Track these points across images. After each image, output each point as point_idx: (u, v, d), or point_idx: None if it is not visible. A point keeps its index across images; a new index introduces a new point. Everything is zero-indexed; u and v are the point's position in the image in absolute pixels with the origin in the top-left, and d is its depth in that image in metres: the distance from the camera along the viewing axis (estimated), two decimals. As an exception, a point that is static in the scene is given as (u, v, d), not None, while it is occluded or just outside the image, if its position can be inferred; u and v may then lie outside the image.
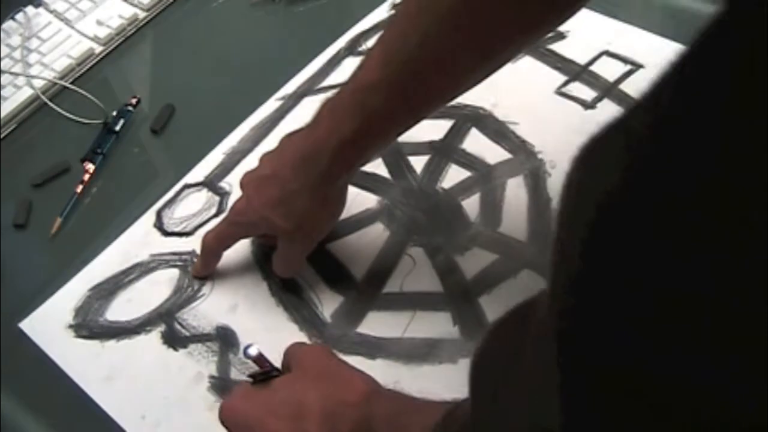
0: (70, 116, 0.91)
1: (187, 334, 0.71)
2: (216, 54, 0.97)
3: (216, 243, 0.72)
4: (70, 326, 0.72)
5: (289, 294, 0.72)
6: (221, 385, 0.67)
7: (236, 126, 0.86)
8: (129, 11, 1.00)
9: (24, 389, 0.70)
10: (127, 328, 0.72)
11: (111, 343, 0.71)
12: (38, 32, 0.99)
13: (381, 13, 0.95)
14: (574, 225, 0.29)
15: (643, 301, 0.25)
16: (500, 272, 0.71)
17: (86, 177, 0.84)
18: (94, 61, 0.98)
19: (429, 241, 0.74)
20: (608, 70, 0.84)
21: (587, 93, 0.82)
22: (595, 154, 0.29)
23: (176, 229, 0.78)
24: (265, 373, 0.59)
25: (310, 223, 0.68)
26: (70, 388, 0.68)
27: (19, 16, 1.01)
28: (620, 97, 0.81)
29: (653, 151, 0.25)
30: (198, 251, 0.74)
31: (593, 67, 0.84)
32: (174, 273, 0.75)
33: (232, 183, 0.81)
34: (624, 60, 0.84)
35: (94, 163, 0.85)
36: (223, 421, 0.64)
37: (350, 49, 0.92)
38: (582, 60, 0.85)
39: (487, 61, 0.61)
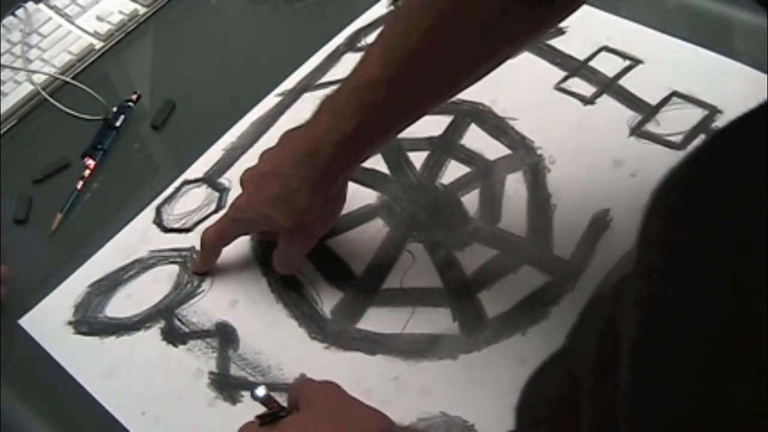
0: (71, 112, 0.91)
1: (187, 330, 0.71)
2: (216, 50, 0.97)
3: (216, 239, 0.72)
4: (70, 323, 0.73)
5: (289, 290, 0.72)
6: (221, 381, 0.67)
7: (237, 121, 0.86)
8: (129, 7, 1.00)
9: (24, 386, 0.70)
10: (126, 325, 0.72)
11: (110, 340, 0.71)
12: (38, 28, 0.99)
13: (380, 9, 0.95)
14: None
15: None
16: (500, 268, 0.71)
17: (86, 173, 0.84)
18: (94, 57, 0.98)
19: (429, 236, 0.74)
20: (607, 65, 0.84)
21: (586, 88, 0.82)
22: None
23: (176, 226, 0.79)
24: (272, 414, 0.57)
25: (310, 220, 0.68)
26: (70, 384, 0.69)
27: (20, 12, 1.01)
28: (619, 93, 0.81)
29: None
30: (197, 247, 0.74)
31: (592, 63, 0.84)
32: (173, 269, 0.75)
33: (232, 179, 0.81)
34: (623, 55, 0.84)
35: (94, 159, 0.86)
36: None
37: (349, 45, 0.92)
38: (581, 56, 0.85)
39: (487, 59, 0.60)
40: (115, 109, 0.90)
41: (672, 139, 0.77)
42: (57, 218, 0.81)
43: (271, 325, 0.70)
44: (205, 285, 0.74)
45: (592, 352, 0.34)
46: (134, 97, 0.91)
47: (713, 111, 0.78)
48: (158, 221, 0.79)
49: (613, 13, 0.88)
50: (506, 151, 0.79)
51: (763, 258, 0.24)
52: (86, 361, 0.70)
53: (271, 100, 0.88)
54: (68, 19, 1.01)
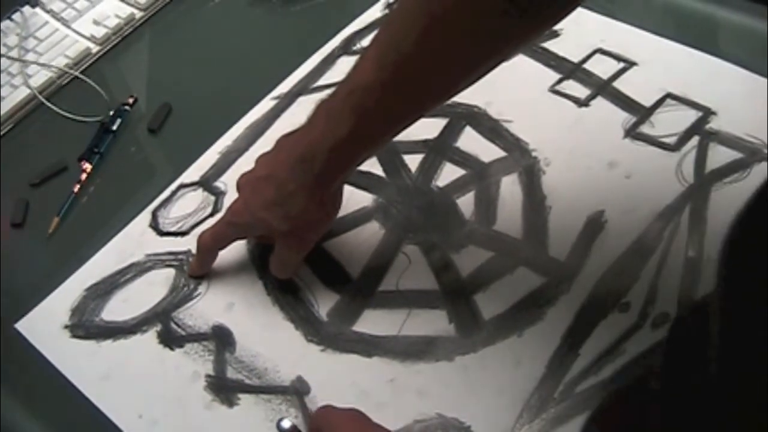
0: (68, 115, 0.91)
1: (184, 333, 0.71)
2: (213, 53, 0.97)
3: (212, 243, 0.73)
4: (66, 326, 0.73)
5: (285, 293, 0.73)
6: (217, 383, 0.68)
7: (233, 125, 0.87)
8: (126, 11, 1.00)
9: (21, 390, 0.70)
10: (123, 328, 0.72)
11: (107, 343, 0.71)
12: (35, 32, 0.99)
13: (375, 12, 0.96)
14: None
15: None
16: (495, 270, 0.71)
17: (83, 176, 0.85)
18: (91, 61, 0.98)
19: (424, 239, 0.74)
20: (602, 67, 0.84)
21: (581, 91, 0.83)
22: None
23: (172, 229, 0.79)
24: None
25: (307, 224, 0.68)
26: (67, 388, 0.69)
27: (16, 16, 1.01)
28: (614, 95, 0.81)
29: None
30: (194, 251, 0.74)
31: (587, 65, 0.85)
32: (170, 272, 0.75)
33: (228, 183, 0.81)
34: (617, 58, 0.84)
35: (91, 163, 0.86)
36: None
37: (344, 48, 0.92)
38: (575, 58, 0.85)
39: (482, 62, 0.60)
40: (111, 113, 0.90)
41: (666, 140, 0.77)
42: (54, 222, 0.81)
43: (268, 328, 0.70)
44: (201, 288, 0.74)
45: None
46: (131, 100, 0.92)
47: (707, 112, 0.78)
48: (154, 225, 0.79)
49: (607, 16, 0.88)
50: (501, 154, 0.79)
51: None
52: (83, 365, 0.70)
53: (266, 104, 0.88)
54: (65, 22, 1.01)
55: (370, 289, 0.72)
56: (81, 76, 0.96)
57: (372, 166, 0.79)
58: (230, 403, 0.66)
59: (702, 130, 0.77)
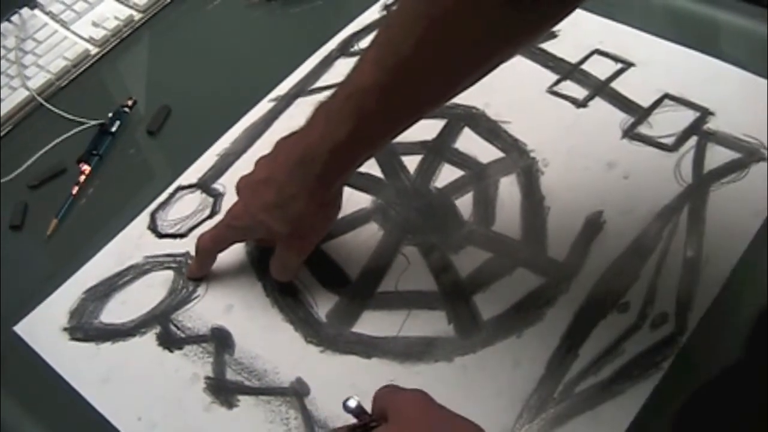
0: (66, 117, 0.91)
1: (183, 335, 0.71)
2: (212, 55, 0.97)
3: (211, 245, 0.73)
4: (65, 329, 0.73)
5: (285, 294, 0.73)
6: (217, 385, 0.68)
7: (231, 126, 0.87)
8: (125, 13, 1.01)
9: (20, 392, 0.70)
10: (122, 330, 0.72)
11: (106, 346, 0.71)
12: (34, 34, 0.99)
13: (373, 13, 0.96)
14: None
15: None
16: (494, 270, 0.71)
17: (82, 178, 0.85)
18: (89, 63, 0.98)
19: (423, 240, 0.74)
20: (599, 68, 0.84)
21: (579, 91, 0.83)
22: None
23: (170, 231, 0.79)
24: (364, 425, 0.57)
25: (306, 226, 0.68)
26: (66, 390, 0.69)
27: (15, 18, 1.01)
28: (612, 96, 0.82)
29: None
30: (192, 253, 0.74)
31: (584, 66, 0.85)
32: (168, 275, 0.75)
33: (226, 184, 0.81)
34: (615, 58, 0.85)
35: (90, 165, 0.86)
36: None
37: (342, 50, 0.92)
38: (573, 59, 0.86)
39: (481, 64, 0.60)
40: (110, 115, 0.90)
41: (664, 141, 0.77)
42: (53, 224, 0.81)
43: (267, 330, 0.71)
44: (200, 290, 0.74)
45: None
46: (130, 102, 0.92)
47: (705, 113, 0.78)
48: (153, 227, 0.79)
49: (605, 17, 0.89)
50: (499, 154, 0.79)
51: None
52: (82, 368, 0.70)
53: (264, 106, 0.88)
54: (63, 24, 1.01)
55: (370, 290, 0.72)
56: (80, 78, 0.96)
57: (370, 167, 0.79)
58: (230, 404, 0.66)
59: (700, 131, 0.77)
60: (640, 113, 0.80)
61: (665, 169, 0.75)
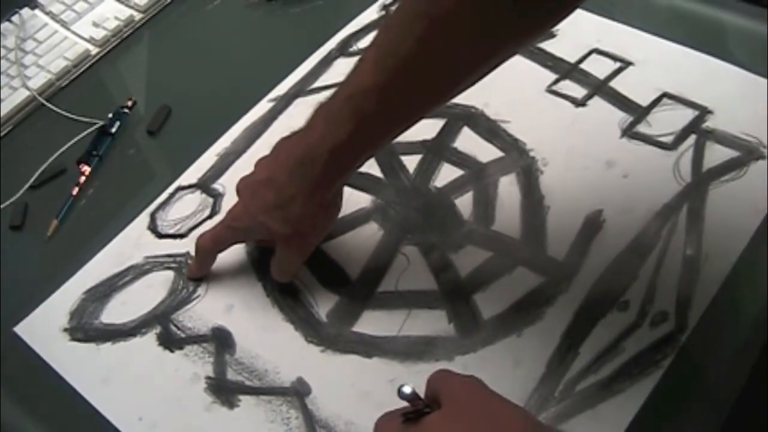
0: (67, 117, 0.91)
1: (183, 335, 0.71)
2: (212, 55, 0.97)
3: (211, 246, 0.73)
4: (65, 329, 0.73)
5: (285, 294, 0.73)
6: (217, 385, 0.68)
7: (232, 126, 0.87)
8: (125, 13, 1.01)
9: (20, 393, 0.70)
10: (122, 331, 0.72)
11: (106, 346, 0.71)
12: (34, 34, 1.00)
13: (371, 13, 0.96)
14: None
15: None
16: (494, 269, 0.71)
17: (82, 179, 0.85)
18: (90, 63, 0.98)
19: (423, 239, 0.74)
20: (598, 67, 0.84)
21: (578, 91, 0.83)
22: None
23: (170, 231, 0.79)
24: (416, 411, 0.57)
25: (306, 227, 0.68)
26: (67, 391, 0.69)
27: (15, 18, 1.01)
28: (611, 95, 0.82)
29: None
30: (192, 253, 0.74)
31: (583, 65, 0.85)
32: (168, 275, 0.75)
33: (226, 185, 0.81)
34: (614, 57, 0.85)
35: (90, 165, 0.86)
36: None
37: (341, 50, 0.92)
38: (572, 58, 0.86)
39: (481, 64, 0.60)
40: (110, 115, 0.90)
41: (663, 139, 0.77)
42: (53, 224, 0.81)
43: (267, 330, 0.71)
44: (200, 290, 0.74)
45: None
46: (129, 102, 0.92)
47: (704, 111, 0.79)
48: (153, 227, 0.79)
49: (603, 16, 0.89)
50: (499, 154, 0.79)
51: None
52: (82, 368, 0.70)
53: (264, 106, 0.88)
54: (64, 24, 1.01)
55: (370, 290, 0.72)
56: (80, 78, 0.96)
57: (370, 167, 0.79)
58: (230, 404, 0.66)
59: (699, 129, 0.77)
60: (639, 112, 0.80)
61: (664, 167, 0.75)
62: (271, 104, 0.88)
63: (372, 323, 0.70)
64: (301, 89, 0.89)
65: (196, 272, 0.74)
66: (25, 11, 1.02)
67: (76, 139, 0.88)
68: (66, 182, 0.85)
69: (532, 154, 0.78)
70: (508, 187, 0.77)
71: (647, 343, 0.65)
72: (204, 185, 0.82)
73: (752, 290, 0.67)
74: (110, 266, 0.77)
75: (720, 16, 0.88)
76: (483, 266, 0.72)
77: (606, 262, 0.70)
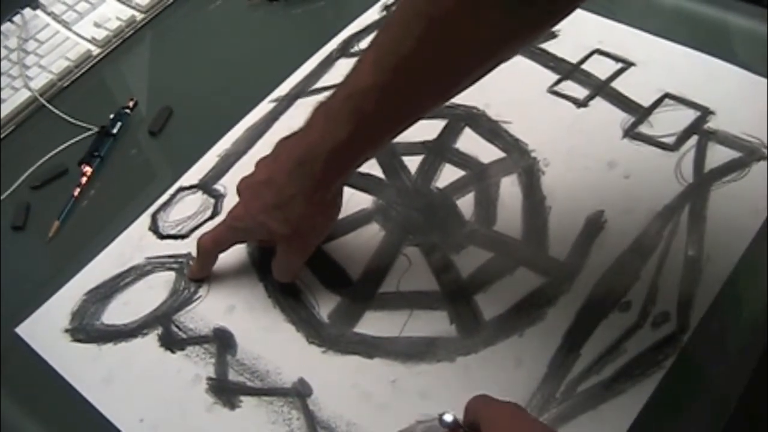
0: (68, 118, 0.91)
1: (185, 336, 0.71)
2: (214, 56, 0.97)
3: (212, 246, 0.73)
4: (67, 330, 0.73)
5: (286, 295, 0.73)
6: (219, 386, 0.68)
7: (233, 127, 0.87)
8: (126, 13, 1.01)
9: (22, 394, 0.70)
10: (123, 332, 0.72)
11: (108, 347, 0.71)
12: (36, 34, 0.99)
13: (373, 14, 0.96)
14: None
15: None
16: (496, 270, 0.71)
17: (84, 180, 0.85)
18: (91, 63, 0.98)
19: (424, 240, 0.74)
20: (600, 68, 0.84)
21: (579, 91, 0.83)
22: None
23: (171, 232, 0.79)
24: None
25: (307, 227, 0.68)
26: (68, 392, 0.69)
27: (17, 19, 1.01)
28: (612, 95, 0.82)
29: None
30: (194, 254, 0.74)
31: (585, 66, 0.85)
32: (170, 276, 0.75)
33: (227, 185, 0.81)
34: (615, 58, 0.85)
35: (91, 166, 0.86)
36: None
37: (343, 51, 0.92)
38: (574, 58, 0.86)
39: (481, 64, 0.60)
40: (112, 116, 0.90)
41: (665, 140, 0.77)
42: (54, 225, 0.81)
43: (269, 330, 0.71)
44: (202, 291, 0.74)
45: None
46: (131, 103, 0.92)
47: (705, 112, 0.79)
48: (154, 228, 0.79)
49: (605, 16, 0.89)
50: (500, 154, 0.79)
51: None
52: (84, 369, 0.70)
53: (265, 107, 0.88)
54: (65, 25, 1.01)
55: (371, 290, 0.72)
56: (82, 79, 0.96)
57: (371, 167, 0.79)
58: (232, 405, 0.66)
59: (700, 130, 0.77)
60: (640, 113, 0.80)
61: (666, 168, 0.75)
62: (273, 105, 0.88)
63: (373, 324, 0.70)
64: (302, 90, 0.89)
65: (198, 273, 0.74)
66: (27, 11, 1.02)
67: (77, 140, 0.88)
68: (67, 183, 0.85)
69: (533, 154, 0.78)
70: (510, 188, 0.77)
71: (649, 343, 0.65)
72: (205, 186, 0.82)
73: (754, 291, 0.67)
74: (112, 267, 0.77)
75: (722, 17, 0.88)
76: (484, 267, 0.72)
77: (607, 263, 0.70)
